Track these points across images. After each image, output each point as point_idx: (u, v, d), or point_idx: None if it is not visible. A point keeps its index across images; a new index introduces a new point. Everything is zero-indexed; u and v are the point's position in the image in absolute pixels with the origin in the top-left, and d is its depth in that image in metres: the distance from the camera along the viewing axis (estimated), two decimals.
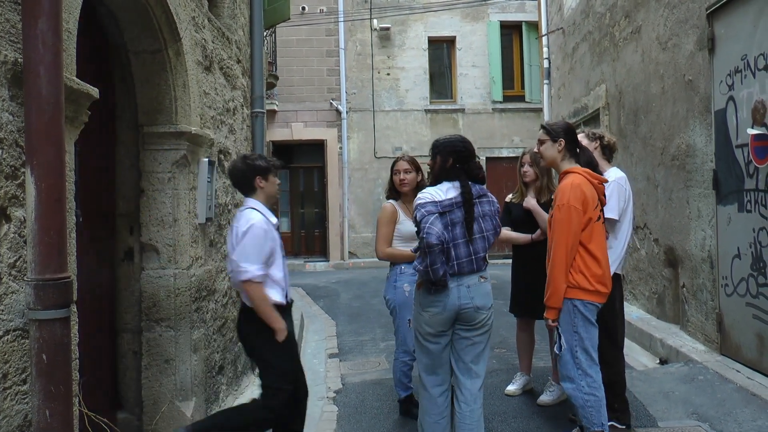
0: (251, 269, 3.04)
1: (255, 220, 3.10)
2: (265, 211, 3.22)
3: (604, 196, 3.39)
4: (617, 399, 3.68)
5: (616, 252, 3.72)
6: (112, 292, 3.44)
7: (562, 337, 3.26)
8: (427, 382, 3.22)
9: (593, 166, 3.44)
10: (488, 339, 3.21)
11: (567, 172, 3.34)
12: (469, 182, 3.11)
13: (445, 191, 3.09)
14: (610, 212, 3.63)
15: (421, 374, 3.27)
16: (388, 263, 4.14)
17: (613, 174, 3.80)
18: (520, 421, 4.02)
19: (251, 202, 3.22)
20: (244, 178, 3.24)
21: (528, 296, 4.17)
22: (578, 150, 3.42)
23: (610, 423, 3.61)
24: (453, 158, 3.15)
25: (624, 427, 3.65)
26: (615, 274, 3.72)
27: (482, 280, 3.13)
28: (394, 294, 4.02)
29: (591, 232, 3.20)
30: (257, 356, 3.30)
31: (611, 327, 3.70)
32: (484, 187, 3.21)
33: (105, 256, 3.38)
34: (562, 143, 3.36)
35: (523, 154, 4.40)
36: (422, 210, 2.99)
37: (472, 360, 3.15)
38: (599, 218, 3.26)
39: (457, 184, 3.09)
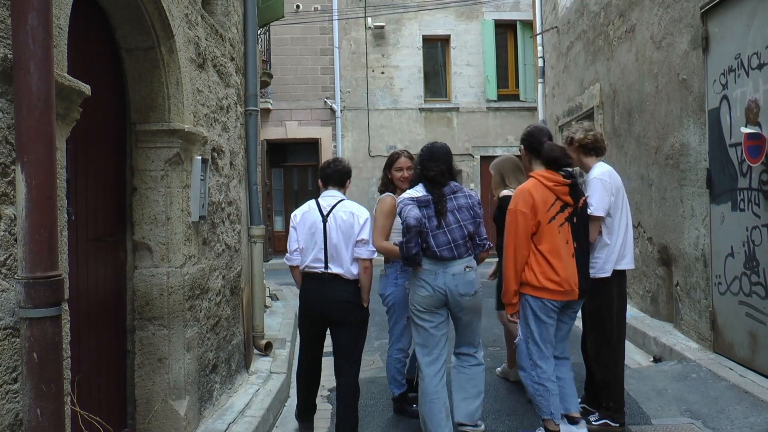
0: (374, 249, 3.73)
1: (367, 212, 3.77)
2: None
3: (570, 195, 3.46)
4: (612, 398, 3.73)
5: (612, 249, 3.71)
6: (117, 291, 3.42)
7: (520, 329, 3.55)
8: (422, 361, 3.56)
9: (556, 163, 3.50)
10: (479, 314, 3.65)
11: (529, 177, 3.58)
12: (438, 182, 3.53)
13: (416, 191, 3.56)
14: (595, 210, 3.64)
15: (417, 355, 3.57)
16: (383, 259, 4.14)
17: (597, 170, 3.77)
18: (514, 419, 4.03)
19: (340, 194, 3.84)
20: (345, 176, 3.91)
21: None
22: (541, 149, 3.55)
23: (603, 421, 3.71)
24: (418, 163, 3.66)
25: (617, 425, 3.70)
26: (618, 270, 3.76)
27: (468, 269, 3.50)
28: (394, 290, 4.04)
29: (542, 233, 3.39)
30: (361, 331, 3.79)
31: (607, 327, 3.76)
32: (458, 183, 3.65)
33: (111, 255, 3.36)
34: (522, 149, 3.67)
35: None
36: (401, 204, 3.48)
37: (466, 329, 3.64)
38: (553, 218, 3.40)
39: (421, 185, 3.56)
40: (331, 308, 3.66)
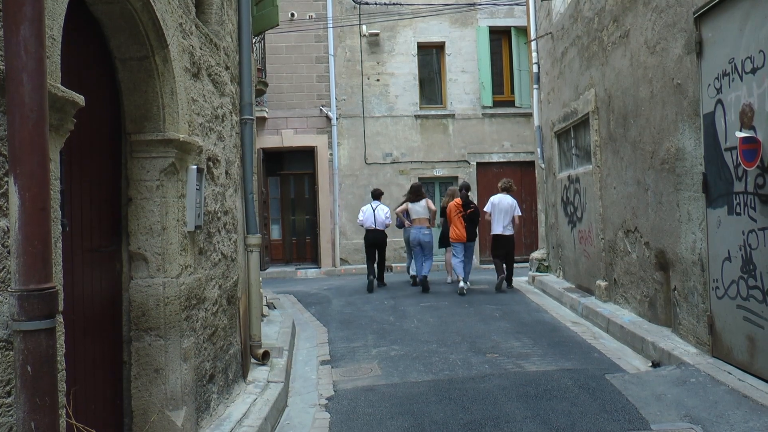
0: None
1: (388, 208, 10.81)
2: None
3: (462, 207, 9.54)
4: (497, 273, 9.67)
5: (493, 225, 9.73)
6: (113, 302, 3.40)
7: (452, 252, 10.00)
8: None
9: (462, 198, 9.61)
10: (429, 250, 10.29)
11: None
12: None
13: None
14: (485, 209, 10.06)
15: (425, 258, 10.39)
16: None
17: (493, 197, 9.86)
18: (513, 425, 4.01)
19: (379, 202, 10.59)
20: (380, 195, 10.79)
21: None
22: (467, 193, 9.79)
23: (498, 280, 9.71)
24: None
25: (499, 278, 9.64)
26: (495, 234, 9.83)
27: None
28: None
29: (453, 219, 9.62)
30: (385, 250, 10.81)
31: (494, 251, 9.81)
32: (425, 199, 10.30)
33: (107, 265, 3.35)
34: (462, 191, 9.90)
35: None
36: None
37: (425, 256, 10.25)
38: (457, 215, 9.53)
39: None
40: (376, 241, 10.31)
